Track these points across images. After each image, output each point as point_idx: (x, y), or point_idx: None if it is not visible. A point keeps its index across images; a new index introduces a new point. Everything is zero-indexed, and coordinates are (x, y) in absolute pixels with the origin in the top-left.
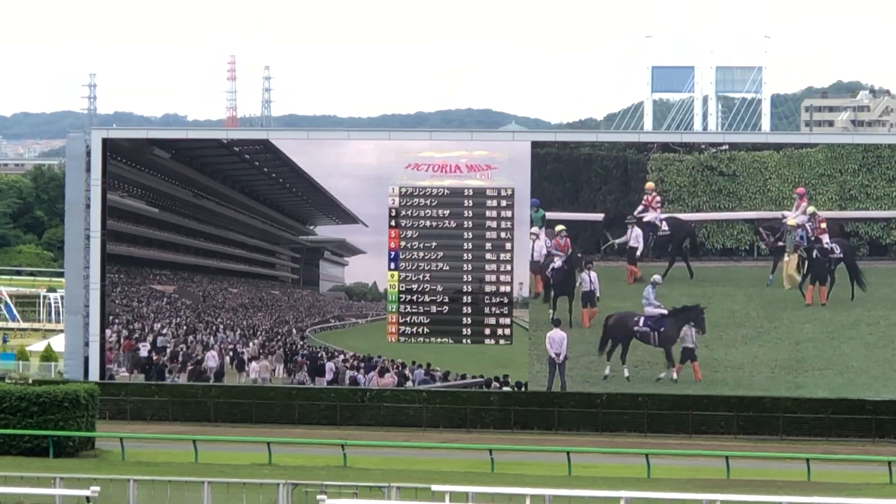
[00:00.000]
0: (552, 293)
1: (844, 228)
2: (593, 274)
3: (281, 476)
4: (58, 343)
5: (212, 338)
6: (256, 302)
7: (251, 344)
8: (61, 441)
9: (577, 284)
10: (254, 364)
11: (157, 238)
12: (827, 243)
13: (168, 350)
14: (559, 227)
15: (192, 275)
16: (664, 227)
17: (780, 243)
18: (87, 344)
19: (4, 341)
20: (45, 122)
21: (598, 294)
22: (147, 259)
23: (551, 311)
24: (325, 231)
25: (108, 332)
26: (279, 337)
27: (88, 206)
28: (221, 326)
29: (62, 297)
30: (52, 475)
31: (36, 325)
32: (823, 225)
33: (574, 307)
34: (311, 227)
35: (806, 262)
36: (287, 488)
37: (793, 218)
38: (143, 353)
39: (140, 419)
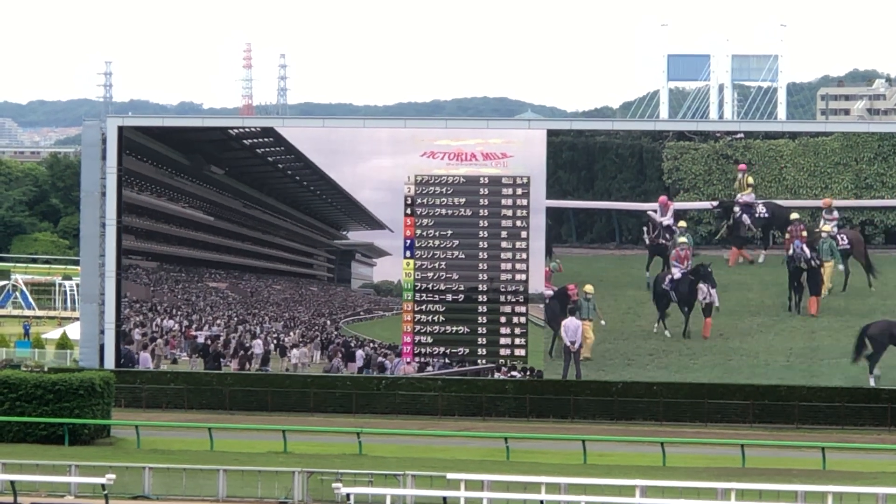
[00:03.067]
0: (666, 304)
1: (853, 221)
2: (711, 287)
3: (296, 464)
4: (73, 331)
5: (258, 328)
6: (297, 297)
7: (292, 333)
8: (77, 429)
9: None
10: (294, 351)
11: (213, 242)
12: (761, 212)
13: (221, 338)
14: (682, 240)
15: (242, 274)
16: (761, 210)
17: (662, 241)
18: (102, 332)
19: (26, 330)
20: (60, 109)
21: (716, 304)
22: (204, 260)
23: (659, 322)
24: (357, 236)
25: (171, 322)
26: (316, 327)
27: (104, 195)
28: (267, 318)
29: (77, 285)
30: (67, 463)
31: (51, 313)
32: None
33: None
34: (344, 233)
35: (727, 226)
36: (302, 476)
37: (742, 198)
38: (201, 340)
39: (155, 407)
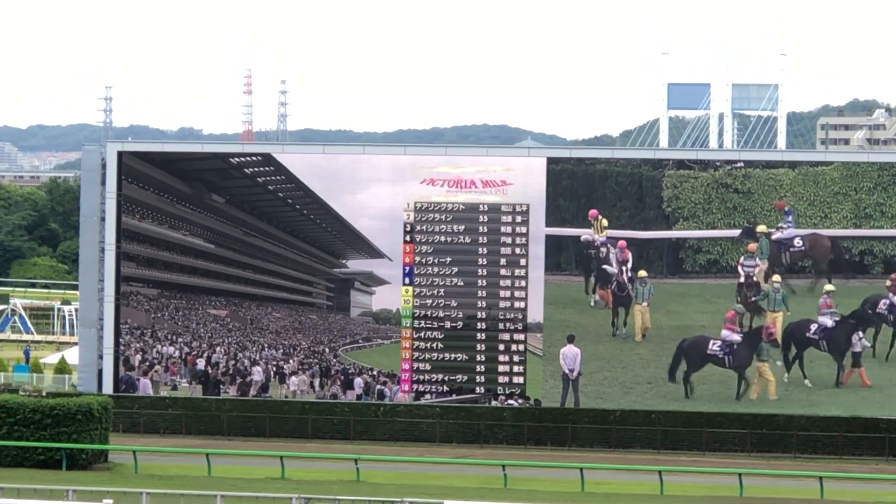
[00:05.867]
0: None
1: (853, 250)
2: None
3: (294, 490)
4: (72, 356)
5: (258, 355)
6: (296, 325)
7: (291, 361)
8: (74, 454)
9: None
10: (293, 378)
11: (213, 270)
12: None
13: (221, 365)
14: (828, 287)
15: (242, 301)
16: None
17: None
18: (100, 357)
19: (27, 355)
20: (60, 134)
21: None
22: (204, 287)
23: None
24: (356, 264)
25: (171, 349)
26: (316, 355)
27: (103, 219)
28: (266, 345)
29: (76, 310)
30: (65, 488)
31: (50, 338)
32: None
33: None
34: (343, 261)
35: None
36: (300, 502)
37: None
38: (201, 367)
39: (153, 432)
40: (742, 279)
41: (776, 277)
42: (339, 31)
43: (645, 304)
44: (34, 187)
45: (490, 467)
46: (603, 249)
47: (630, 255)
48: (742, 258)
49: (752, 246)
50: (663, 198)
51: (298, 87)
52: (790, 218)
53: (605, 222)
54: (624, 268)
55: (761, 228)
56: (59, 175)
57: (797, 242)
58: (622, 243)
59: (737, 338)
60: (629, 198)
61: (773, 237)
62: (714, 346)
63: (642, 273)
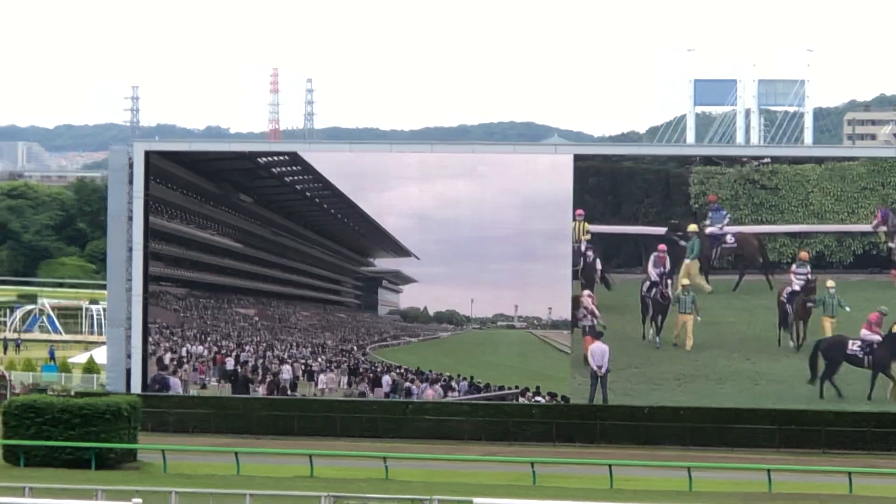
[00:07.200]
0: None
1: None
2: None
3: (323, 488)
4: (100, 355)
5: (286, 353)
6: (325, 323)
7: (320, 359)
8: (103, 453)
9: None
10: (322, 376)
11: (242, 269)
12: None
13: (250, 364)
14: (882, 308)
15: (270, 300)
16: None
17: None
18: (129, 356)
19: (52, 355)
20: (87, 134)
21: None
22: (233, 286)
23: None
24: (384, 263)
25: (200, 348)
26: (344, 353)
27: (131, 219)
28: (295, 344)
29: (104, 309)
30: (93, 487)
31: (78, 338)
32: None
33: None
34: (371, 260)
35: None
36: (329, 500)
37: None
38: (230, 366)
39: (182, 431)
40: (795, 286)
41: (830, 283)
42: (365, 28)
43: (691, 314)
44: (62, 187)
45: (519, 465)
46: (590, 253)
47: (668, 262)
48: (794, 265)
49: (804, 254)
50: (690, 194)
51: (325, 85)
52: (723, 213)
53: (587, 225)
54: (664, 275)
55: (692, 227)
56: (86, 175)
57: (729, 239)
58: (662, 247)
59: (877, 338)
60: (656, 194)
61: (707, 231)
62: (854, 346)
63: (685, 281)
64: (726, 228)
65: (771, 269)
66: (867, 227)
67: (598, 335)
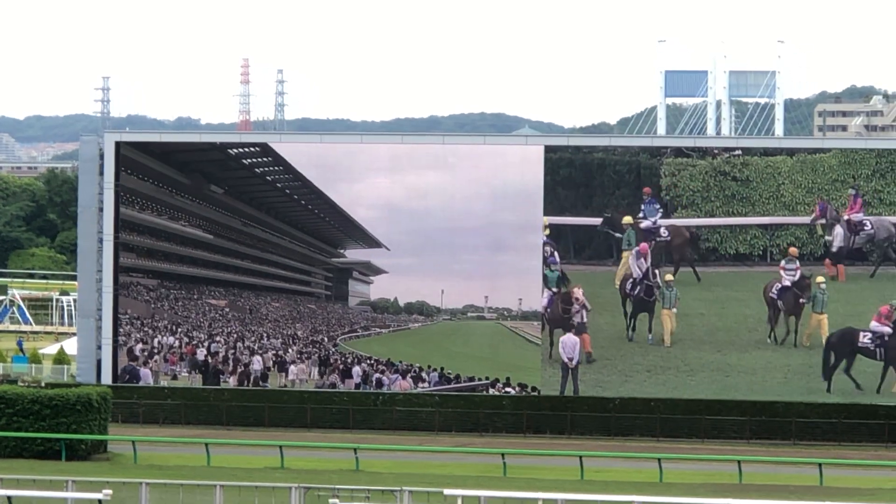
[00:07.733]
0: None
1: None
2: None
3: (293, 480)
4: (70, 346)
5: (257, 344)
6: (295, 314)
7: (290, 350)
8: (73, 444)
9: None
10: (293, 367)
11: (212, 260)
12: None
13: (220, 354)
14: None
15: (241, 291)
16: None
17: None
18: (99, 347)
19: (20, 345)
20: (58, 125)
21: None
22: (203, 277)
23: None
24: (354, 254)
25: (171, 339)
26: (314, 344)
27: (101, 210)
28: (265, 335)
29: (75, 301)
30: (64, 478)
31: (48, 329)
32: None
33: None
34: (342, 251)
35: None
36: (299, 492)
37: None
38: (201, 356)
39: (152, 422)
40: (785, 282)
41: (820, 279)
42: (336, 19)
43: (674, 309)
44: (32, 178)
45: (489, 456)
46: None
47: (650, 258)
48: (783, 261)
49: (794, 250)
50: (662, 186)
51: (296, 75)
52: (656, 205)
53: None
54: (649, 270)
55: (627, 220)
56: (56, 166)
57: (663, 232)
58: (644, 246)
59: (888, 329)
60: (627, 186)
61: (642, 226)
62: (865, 339)
63: (668, 277)
64: (660, 222)
65: (747, 262)
66: (806, 220)
67: (571, 328)
